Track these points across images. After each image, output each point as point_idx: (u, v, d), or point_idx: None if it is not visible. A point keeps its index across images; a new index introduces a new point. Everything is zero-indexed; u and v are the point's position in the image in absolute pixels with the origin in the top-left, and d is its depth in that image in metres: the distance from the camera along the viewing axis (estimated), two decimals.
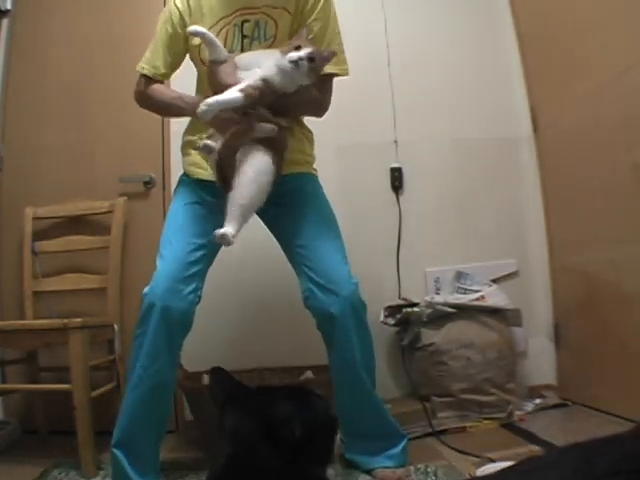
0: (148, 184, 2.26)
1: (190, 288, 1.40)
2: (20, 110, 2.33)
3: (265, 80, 1.31)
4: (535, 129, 2.35)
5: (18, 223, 2.17)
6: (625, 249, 1.81)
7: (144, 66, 1.52)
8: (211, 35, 1.39)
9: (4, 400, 2.16)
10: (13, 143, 2.32)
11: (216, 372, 0.93)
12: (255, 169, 1.32)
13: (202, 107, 1.26)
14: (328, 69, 1.43)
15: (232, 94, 1.28)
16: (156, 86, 1.52)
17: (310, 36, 1.38)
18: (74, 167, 2.29)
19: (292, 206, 1.51)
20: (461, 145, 2.40)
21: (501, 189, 2.41)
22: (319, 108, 1.53)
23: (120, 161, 2.28)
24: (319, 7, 1.47)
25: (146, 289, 1.39)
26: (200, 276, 1.45)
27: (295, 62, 1.28)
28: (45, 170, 2.29)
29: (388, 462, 1.48)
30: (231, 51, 1.44)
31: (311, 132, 1.63)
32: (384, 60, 2.40)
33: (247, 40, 1.46)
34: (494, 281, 2.24)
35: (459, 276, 2.24)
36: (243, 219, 1.30)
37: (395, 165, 2.35)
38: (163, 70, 1.52)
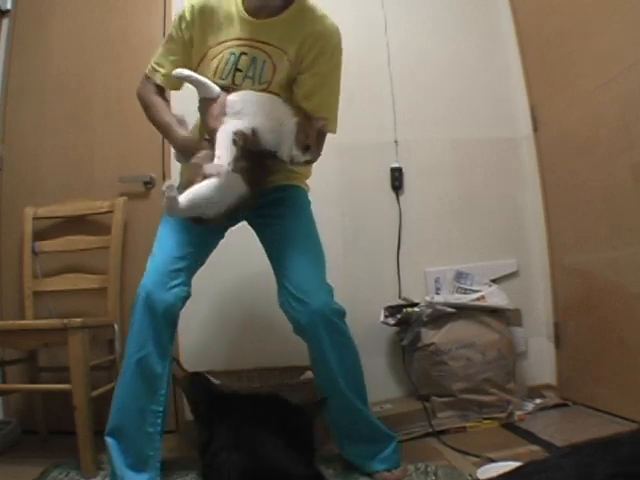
0: (148, 184, 2.26)
1: (176, 282, 1.43)
2: (20, 110, 2.33)
3: (254, 131, 1.35)
4: (535, 129, 2.35)
5: (18, 223, 2.17)
6: (625, 249, 1.81)
7: (154, 70, 1.51)
8: (196, 77, 1.40)
9: (4, 400, 2.16)
10: (13, 143, 2.32)
11: (195, 379, 0.88)
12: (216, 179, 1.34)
13: (212, 171, 1.30)
14: (322, 128, 1.46)
15: (228, 153, 1.32)
16: (159, 101, 1.52)
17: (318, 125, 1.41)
18: (74, 167, 2.28)
19: (275, 217, 1.54)
20: (461, 145, 2.40)
21: (501, 189, 2.41)
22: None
23: (120, 161, 2.28)
24: (319, 63, 1.44)
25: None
26: (187, 272, 1.48)
27: (293, 162, 1.38)
28: (45, 170, 2.29)
29: (382, 465, 1.49)
30: (219, 78, 1.44)
31: None
32: (384, 60, 2.40)
33: (240, 74, 1.44)
34: (494, 281, 2.24)
35: (459, 276, 2.24)
36: (193, 203, 1.31)
37: (395, 165, 2.35)
38: (173, 79, 1.50)
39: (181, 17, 1.49)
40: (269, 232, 1.57)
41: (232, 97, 1.40)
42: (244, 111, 1.37)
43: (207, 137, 1.42)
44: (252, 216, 1.59)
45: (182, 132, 1.47)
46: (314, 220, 1.60)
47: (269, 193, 1.53)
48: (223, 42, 1.44)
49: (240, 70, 1.44)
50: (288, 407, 0.83)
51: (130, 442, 1.38)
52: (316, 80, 1.45)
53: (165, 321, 1.42)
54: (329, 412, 1.51)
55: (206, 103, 1.42)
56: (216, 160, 1.31)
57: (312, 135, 1.37)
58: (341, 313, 1.48)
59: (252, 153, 1.37)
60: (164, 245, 1.49)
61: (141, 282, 1.43)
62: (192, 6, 1.47)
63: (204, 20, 1.46)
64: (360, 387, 1.52)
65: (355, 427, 1.51)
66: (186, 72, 1.40)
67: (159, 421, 1.42)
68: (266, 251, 1.58)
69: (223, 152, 1.33)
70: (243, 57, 1.43)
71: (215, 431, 0.78)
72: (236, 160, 1.33)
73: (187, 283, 1.47)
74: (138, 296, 1.41)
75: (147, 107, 1.53)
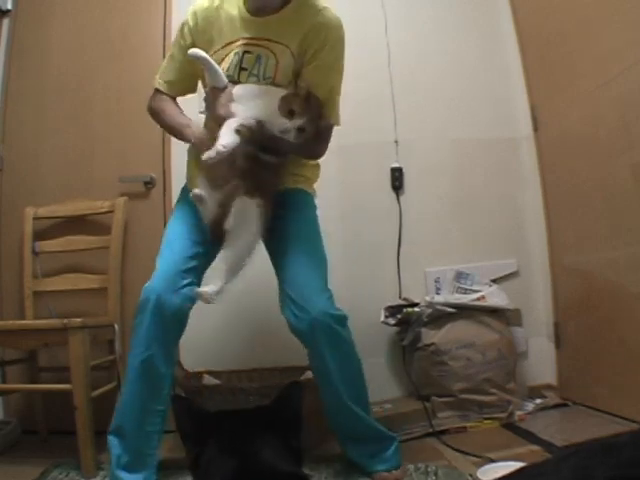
0: (148, 184, 2.26)
1: (185, 282, 1.43)
2: (20, 110, 2.33)
3: (259, 122, 1.37)
4: (535, 128, 2.35)
5: (18, 223, 2.17)
6: (625, 249, 1.81)
7: (160, 81, 1.55)
8: (211, 61, 1.41)
9: (4, 400, 2.16)
10: (13, 143, 2.32)
11: (179, 401, 0.87)
12: (248, 232, 1.41)
13: (207, 156, 1.30)
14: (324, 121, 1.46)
15: (229, 138, 1.32)
16: (168, 106, 1.54)
17: (303, 91, 1.38)
18: (74, 167, 2.28)
19: (279, 219, 1.52)
20: (461, 145, 2.40)
21: (501, 189, 2.41)
22: (311, 156, 1.58)
23: (120, 161, 2.28)
24: (323, 53, 1.44)
25: (145, 284, 1.42)
26: (196, 272, 1.48)
27: (283, 131, 1.36)
28: (45, 170, 2.29)
29: (382, 466, 1.49)
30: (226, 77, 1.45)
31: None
32: (384, 60, 2.40)
33: (245, 73, 1.46)
34: (494, 281, 2.24)
35: (459, 276, 2.24)
36: (229, 279, 1.39)
37: (395, 165, 2.35)
38: (178, 86, 1.55)
39: (184, 24, 1.52)
40: (271, 235, 1.55)
41: (236, 89, 1.42)
42: (248, 103, 1.39)
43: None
44: None
45: (195, 129, 1.48)
46: (318, 224, 1.59)
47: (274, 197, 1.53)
48: (228, 44, 1.46)
49: (245, 69, 1.45)
50: (271, 410, 0.84)
51: (130, 441, 1.39)
52: (319, 72, 1.45)
53: (174, 323, 1.42)
54: (330, 418, 1.51)
55: (214, 92, 1.43)
56: (216, 144, 1.32)
57: (298, 102, 1.36)
58: (341, 319, 1.45)
59: (257, 153, 1.38)
60: (173, 245, 1.49)
61: (149, 283, 1.41)
62: (195, 12, 1.50)
63: (207, 25, 1.48)
64: (362, 395, 1.50)
65: (356, 431, 1.51)
66: (201, 53, 1.41)
67: (159, 420, 1.43)
68: (269, 254, 1.58)
69: (224, 137, 1.33)
70: (247, 55, 1.45)
71: (204, 445, 0.80)
72: (244, 156, 1.35)
73: (196, 282, 1.47)
74: (147, 299, 1.39)
75: (156, 114, 1.56)
